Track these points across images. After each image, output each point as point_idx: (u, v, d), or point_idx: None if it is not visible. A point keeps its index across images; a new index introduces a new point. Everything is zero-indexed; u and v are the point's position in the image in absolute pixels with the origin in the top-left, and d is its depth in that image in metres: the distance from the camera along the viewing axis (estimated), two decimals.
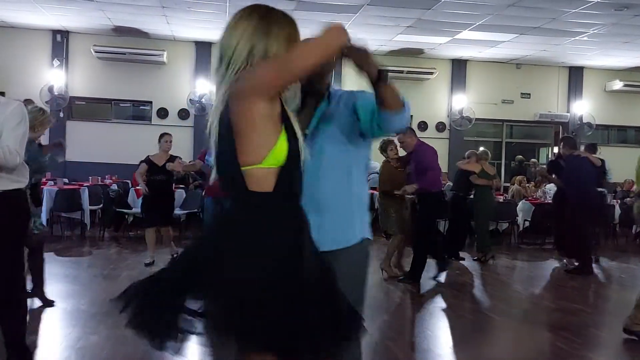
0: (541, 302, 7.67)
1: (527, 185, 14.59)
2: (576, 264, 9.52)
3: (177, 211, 11.74)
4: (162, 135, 9.28)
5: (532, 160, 17.20)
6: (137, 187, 11.73)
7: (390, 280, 8.15)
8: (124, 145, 11.52)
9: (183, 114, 15.52)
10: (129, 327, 2.24)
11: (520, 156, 17.63)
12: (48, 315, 5.88)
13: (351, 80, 16.01)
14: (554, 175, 10.66)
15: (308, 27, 10.76)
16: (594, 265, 9.71)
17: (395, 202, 8.31)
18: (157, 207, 9.11)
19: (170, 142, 9.22)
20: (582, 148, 11.13)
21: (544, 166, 10.89)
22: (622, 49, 14.85)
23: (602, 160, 10.56)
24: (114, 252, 10.10)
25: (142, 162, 9.13)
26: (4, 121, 3.76)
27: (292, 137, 2.23)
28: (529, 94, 17.20)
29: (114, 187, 12.42)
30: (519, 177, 14.75)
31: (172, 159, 9.21)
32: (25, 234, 4.31)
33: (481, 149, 11.08)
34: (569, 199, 9.62)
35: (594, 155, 10.25)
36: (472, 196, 10.56)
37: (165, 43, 15.36)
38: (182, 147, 15.24)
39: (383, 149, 8.50)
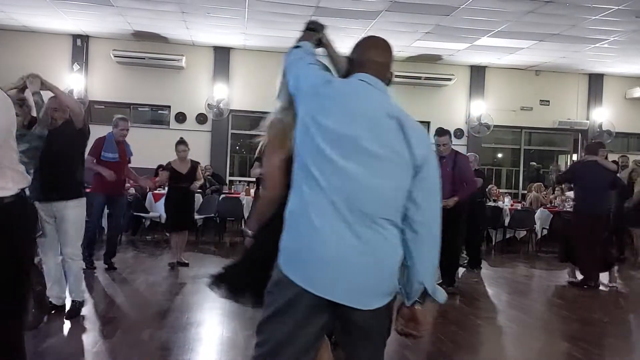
0: (559, 312, 7.61)
1: (545, 192, 14.51)
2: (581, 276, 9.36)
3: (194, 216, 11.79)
4: (177, 144, 9.47)
5: (552, 166, 17.06)
6: (155, 192, 11.82)
7: None
8: (142, 149, 11.53)
9: (201, 118, 15.57)
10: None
11: (534, 162, 17.52)
12: (64, 319, 5.89)
13: None
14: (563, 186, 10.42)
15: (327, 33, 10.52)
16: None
17: None
18: (181, 212, 9.37)
19: (184, 150, 9.40)
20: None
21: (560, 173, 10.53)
22: None
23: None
24: (131, 256, 10.14)
25: (164, 169, 9.34)
26: None
27: None
28: (548, 101, 17.09)
29: (132, 191, 12.47)
30: (536, 184, 14.66)
31: (194, 164, 9.50)
32: (20, 254, 3.09)
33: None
34: (577, 207, 9.45)
35: (604, 158, 9.53)
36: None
37: (184, 48, 15.43)
38: (200, 151, 15.30)
39: None
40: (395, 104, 2.61)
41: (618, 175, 9.97)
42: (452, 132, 16.35)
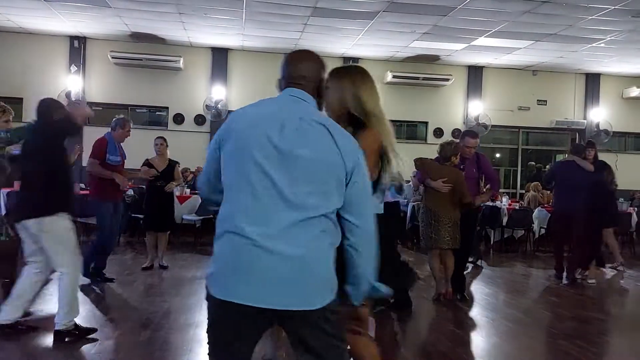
0: (556, 310, 7.62)
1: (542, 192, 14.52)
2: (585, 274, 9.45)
3: (193, 217, 11.80)
4: (155, 139, 9.29)
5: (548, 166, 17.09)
6: None
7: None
8: (140, 150, 11.52)
9: (199, 119, 15.60)
10: None
11: (532, 162, 17.54)
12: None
13: None
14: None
15: (325, 34, 10.88)
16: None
17: (458, 214, 7.44)
18: (157, 212, 9.14)
19: (162, 144, 9.17)
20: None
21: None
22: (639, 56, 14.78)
23: (604, 166, 9.72)
24: (129, 258, 10.15)
25: (142, 165, 9.12)
26: None
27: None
28: (545, 101, 17.13)
29: (130, 192, 12.45)
30: (534, 184, 14.67)
31: (172, 164, 9.23)
32: None
33: None
34: (554, 206, 9.58)
35: (583, 158, 9.39)
36: None
37: (181, 49, 15.44)
38: (199, 152, 15.29)
39: (454, 153, 7.51)
40: (316, 111, 2.59)
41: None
42: (451, 132, 16.53)
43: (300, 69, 2.62)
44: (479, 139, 8.28)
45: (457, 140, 8.55)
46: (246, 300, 2.34)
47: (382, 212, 4.92)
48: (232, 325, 2.45)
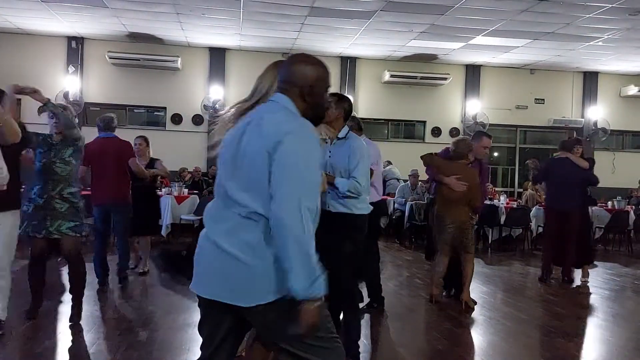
0: (554, 309, 7.63)
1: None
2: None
3: (191, 217, 11.79)
4: (134, 139, 8.73)
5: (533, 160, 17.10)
6: None
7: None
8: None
9: (197, 119, 15.60)
10: None
11: (530, 161, 17.56)
12: (62, 320, 5.91)
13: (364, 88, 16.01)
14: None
15: (322, 34, 10.85)
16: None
17: (466, 216, 7.13)
18: (141, 215, 8.55)
19: (140, 144, 8.68)
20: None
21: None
22: (637, 54, 14.79)
23: (594, 162, 9.56)
24: None
25: None
26: None
27: None
28: (543, 100, 17.15)
29: None
30: (531, 183, 14.66)
31: (152, 162, 8.80)
32: None
33: None
34: (547, 203, 9.54)
35: (574, 155, 9.21)
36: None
37: (179, 49, 15.44)
38: (196, 152, 15.31)
39: (469, 151, 7.16)
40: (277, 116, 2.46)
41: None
42: (449, 131, 16.55)
43: (285, 74, 2.59)
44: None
45: (468, 138, 8.22)
46: (195, 288, 2.55)
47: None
48: (201, 309, 2.61)
